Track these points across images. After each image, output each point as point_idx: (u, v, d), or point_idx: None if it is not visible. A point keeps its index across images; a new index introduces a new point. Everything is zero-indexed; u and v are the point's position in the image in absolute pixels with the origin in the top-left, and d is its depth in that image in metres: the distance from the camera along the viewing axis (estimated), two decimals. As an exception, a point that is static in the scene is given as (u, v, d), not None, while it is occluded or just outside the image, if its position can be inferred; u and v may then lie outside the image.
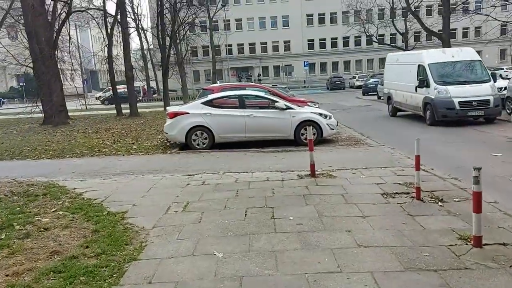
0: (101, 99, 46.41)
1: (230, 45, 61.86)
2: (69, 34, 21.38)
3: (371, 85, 35.19)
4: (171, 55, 36.45)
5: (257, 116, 11.18)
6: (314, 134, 11.26)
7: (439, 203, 5.61)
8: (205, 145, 11.20)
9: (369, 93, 34.34)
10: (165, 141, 12.50)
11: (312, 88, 54.29)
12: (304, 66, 56.17)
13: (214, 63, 49.42)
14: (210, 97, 11.68)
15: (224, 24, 59.06)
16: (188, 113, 11.23)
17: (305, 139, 11.18)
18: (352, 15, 49.21)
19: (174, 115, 11.32)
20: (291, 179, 7.29)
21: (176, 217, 5.53)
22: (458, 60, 14.83)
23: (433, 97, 14.21)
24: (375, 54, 62.45)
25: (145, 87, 54.94)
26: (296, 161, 9.14)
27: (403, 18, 42.19)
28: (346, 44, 62.96)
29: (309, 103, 13.93)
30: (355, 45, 62.84)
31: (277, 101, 11.39)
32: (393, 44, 41.35)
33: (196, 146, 11.19)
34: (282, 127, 11.24)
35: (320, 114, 11.48)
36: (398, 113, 18.04)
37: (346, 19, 56.73)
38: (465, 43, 52.60)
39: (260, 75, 62.54)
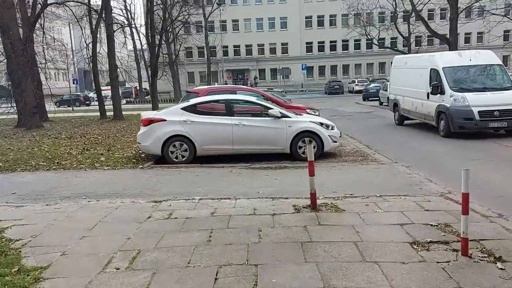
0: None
1: (226, 47, 60.16)
2: (43, 29, 19.56)
3: (372, 90, 33.58)
4: (163, 55, 34.82)
5: (247, 125, 9.45)
6: (314, 148, 9.58)
7: (498, 264, 3.89)
8: (185, 158, 9.45)
9: (370, 99, 32.71)
10: (141, 151, 10.74)
11: (310, 92, 52.70)
12: (302, 69, 54.59)
13: (209, 65, 47.67)
14: (192, 101, 9.94)
15: (220, 25, 57.40)
16: (165, 120, 9.48)
17: (303, 153, 9.51)
18: (352, 18, 47.60)
19: (149, 122, 9.57)
20: (285, 213, 5.55)
21: (114, 280, 3.77)
22: (476, 64, 13.17)
23: (448, 105, 12.54)
24: (375, 58, 61.05)
25: (137, 88, 53.20)
26: (292, 181, 7.42)
27: (405, 22, 40.92)
28: (345, 47, 61.42)
29: (308, 110, 12.22)
30: (354, 49, 61.33)
31: (271, 108, 9.66)
32: (395, 48, 39.73)
33: (174, 160, 9.44)
34: (276, 138, 9.52)
35: (321, 124, 9.76)
36: (405, 122, 16.37)
37: (346, 21, 55.19)
38: (467, 49, 51.16)
39: (257, 78, 60.90)
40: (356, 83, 47.07)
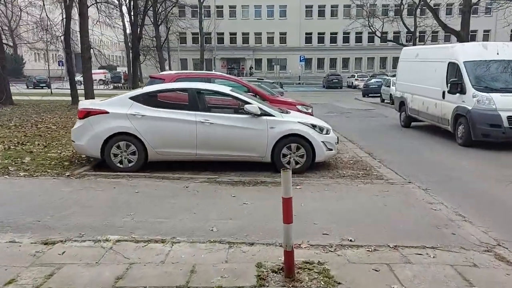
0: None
1: (221, 34, 57.50)
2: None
3: (373, 86, 31.27)
4: (151, 38, 32.38)
5: (216, 124, 7.17)
6: (302, 156, 7.34)
7: None
8: (132, 164, 7.17)
9: (370, 95, 30.44)
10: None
11: (307, 85, 50.40)
12: (300, 61, 51.90)
13: (202, 52, 44.91)
14: (146, 89, 7.61)
15: (216, 10, 54.71)
16: (107, 112, 7.16)
17: (289, 163, 7.27)
18: (354, 8, 45.13)
19: (86, 114, 7.26)
20: (239, 287, 3.31)
21: None
22: (504, 58, 10.89)
23: (470, 107, 10.30)
24: (377, 52, 58.68)
25: (126, 72, 50.65)
26: (266, 210, 5.19)
27: (409, 16, 38.57)
28: (346, 40, 58.87)
29: (298, 107, 9.93)
30: (355, 42, 58.82)
31: (248, 103, 7.35)
32: (400, 42, 37.36)
33: (118, 166, 7.16)
34: (253, 142, 7.25)
35: (313, 126, 7.48)
36: (413, 123, 14.15)
37: (348, 12, 52.64)
38: (473, 47, 48.80)
39: (252, 67, 58.38)
40: (356, 77, 44.76)
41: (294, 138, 7.30)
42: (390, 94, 23.47)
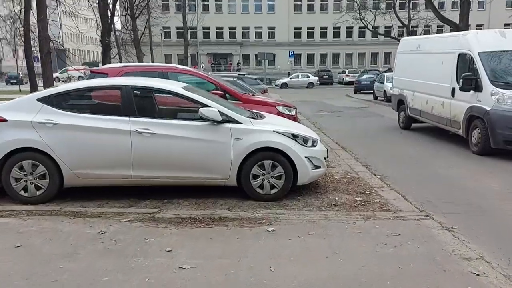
0: None
1: (207, 28, 55.21)
2: None
3: (365, 82, 29.43)
4: (128, 31, 30.12)
5: (159, 135, 5.17)
6: (279, 178, 5.39)
7: None
8: (42, 192, 5.14)
9: (362, 91, 28.57)
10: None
11: (297, 81, 48.44)
12: (290, 56, 49.89)
13: (186, 46, 42.61)
14: (61, 88, 5.54)
15: (202, 4, 52.46)
16: (4, 120, 5.12)
17: (262, 186, 5.33)
18: (345, 1, 43.24)
19: (-26, 123, 5.20)
20: None
21: None
22: (527, 48, 9.06)
23: (488, 108, 8.42)
24: (367, 48, 56.94)
25: (107, 69, 48.21)
26: (214, 280, 3.21)
27: (402, 9, 36.79)
28: (336, 35, 56.97)
29: (279, 108, 7.93)
30: (346, 37, 56.97)
31: (205, 105, 5.35)
32: (392, 36, 35.63)
33: (22, 195, 5.12)
34: (212, 159, 5.26)
35: (295, 137, 5.49)
36: (414, 125, 12.28)
37: (338, 6, 50.82)
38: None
39: (240, 63, 56.21)
40: (347, 73, 42.90)
41: (268, 154, 5.34)
42: (384, 90, 21.63)
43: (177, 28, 51.21)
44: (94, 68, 9.63)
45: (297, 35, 57.72)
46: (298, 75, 42.71)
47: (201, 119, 5.26)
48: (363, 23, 34.61)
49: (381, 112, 17.31)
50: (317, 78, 42.17)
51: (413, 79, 11.78)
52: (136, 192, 5.47)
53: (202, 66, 51.38)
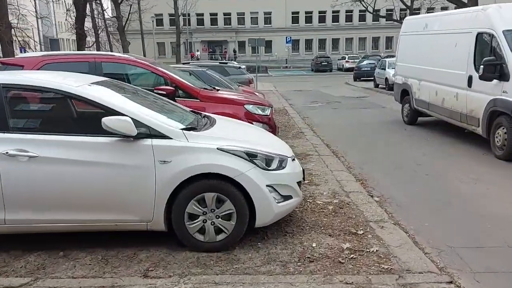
0: None
1: (201, 14, 53.08)
2: None
3: (365, 68, 27.49)
4: (112, 17, 28.19)
5: (44, 158, 3.40)
6: (228, 218, 3.62)
7: None
8: None
9: (362, 79, 26.65)
10: None
11: (295, 69, 46.51)
12: (287, 42, 47.70)
13: (178, 34, 40.49)
14: None
15: (194, -11, 50.12)
16: None
17: (202, 231, 3.57)
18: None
19: None
20: None
21: None
22: None
23: (517, 101, 6.63)
24: (368, 32, 54.67)
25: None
26: None
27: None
28: (335, 19, 54.69)
29: (248, 107, 6.10)
30: (345, 21, 54.71)
31: (116, 113, 3.55)
32: (395, 19, 33.50)
33: None
34: (127, 193, 3.50)
35: (251, 157, 3.70)
36: (420, 119, 10.48)
37: (337, -12, 48.45)
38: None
39: (236, 51, 54.15)
40: (347, 59, 40.80)
41: (211, 183, 3.58)
42: (386, 78, 19.77)
43: (170, 15, 49.00)
44: (6, 59, 7.78)
45: (295, 19, 55.51)
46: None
47: (109, 133, 3.48)
48: (362, 5, 32.43)
49: (382, 102, 15.49)
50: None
51: (419, 66, 9.94)
52: (27, 239, 3.74)
53: (198, 55, 49.33)
